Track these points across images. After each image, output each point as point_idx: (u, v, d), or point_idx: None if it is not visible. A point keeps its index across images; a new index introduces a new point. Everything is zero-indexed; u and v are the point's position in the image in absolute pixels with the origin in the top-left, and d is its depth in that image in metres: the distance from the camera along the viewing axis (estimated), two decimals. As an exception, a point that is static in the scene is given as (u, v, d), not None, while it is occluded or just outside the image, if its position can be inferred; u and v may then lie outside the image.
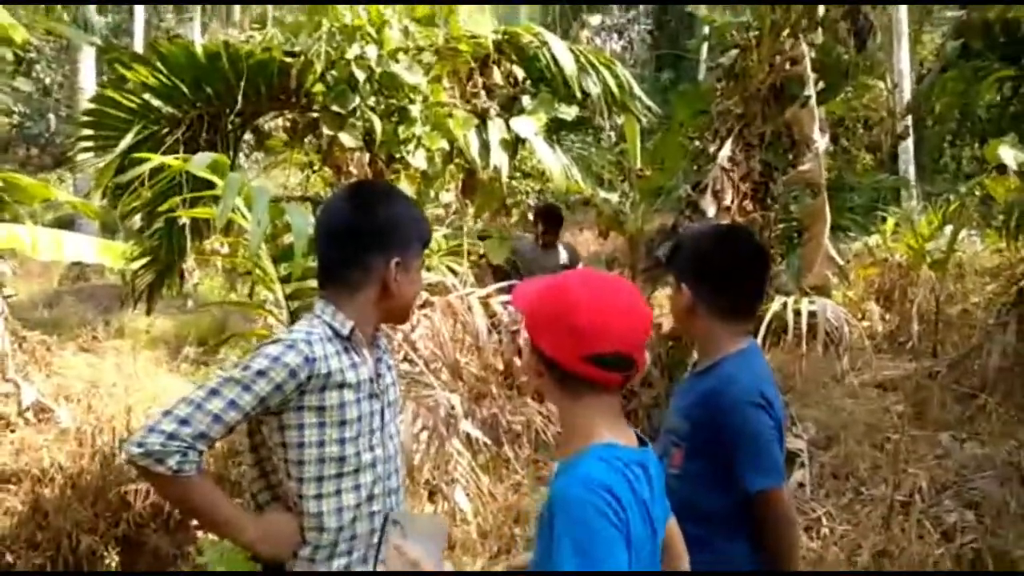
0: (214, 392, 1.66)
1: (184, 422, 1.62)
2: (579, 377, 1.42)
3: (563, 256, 5.86)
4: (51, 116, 18.43)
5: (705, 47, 12.90)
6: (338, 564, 1.80)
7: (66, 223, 10.53)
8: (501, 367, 4.25)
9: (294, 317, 3.43)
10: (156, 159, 3.28)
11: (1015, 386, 5.25)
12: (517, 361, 4.17)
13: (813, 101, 4.80)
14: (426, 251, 1.93)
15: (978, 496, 3.96)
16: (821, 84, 4.91)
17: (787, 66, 4.90)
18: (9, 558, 4.75)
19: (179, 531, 4.86)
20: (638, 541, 1.36)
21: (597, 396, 1.45)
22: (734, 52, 5.16)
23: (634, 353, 1.43)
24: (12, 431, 5.31)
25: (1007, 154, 6.71)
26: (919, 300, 7.48)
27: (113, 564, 4.66)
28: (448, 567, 1.54)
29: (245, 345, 4.78)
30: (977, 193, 8.11)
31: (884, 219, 8.75)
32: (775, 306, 5.50)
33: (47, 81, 17.80)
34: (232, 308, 6.85)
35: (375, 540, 1.84)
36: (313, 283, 3.34)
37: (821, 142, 4.87)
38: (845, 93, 8.50)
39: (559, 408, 1.51)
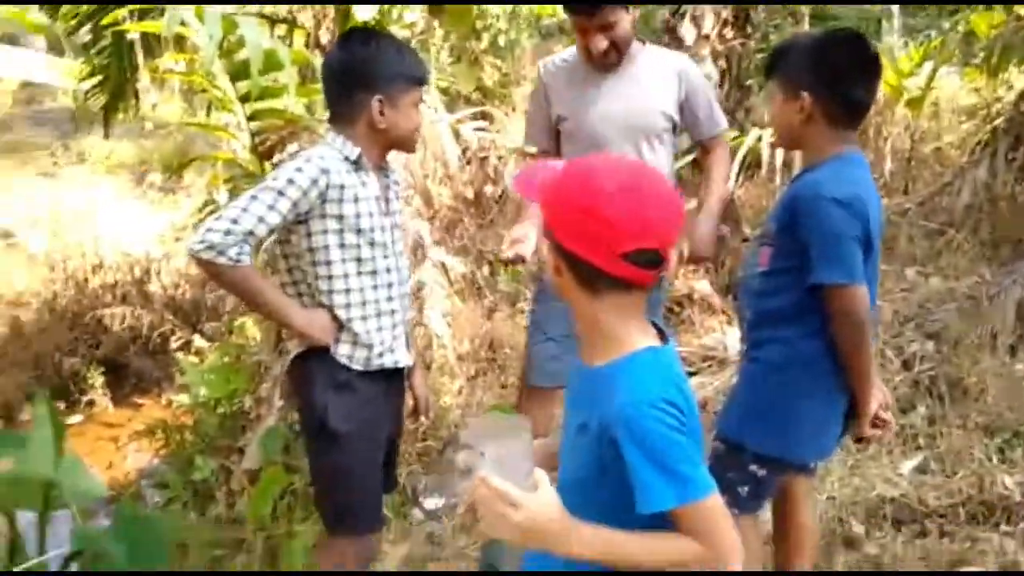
0: (254, 198, 1.98)
1: (235, 221, 1.95)
2: (611, 277, 1.29)
3: (667, 75, 2.72)
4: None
5: None
6: (374, 348, 2.16)
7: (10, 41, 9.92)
8: (472, 196, 4.17)
9: (255, 141, 3.31)
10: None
11: (982, 223, 5.29)
12: (488, 190, 4.11)
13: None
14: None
15: (938, 327, 4.07)
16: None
17: None
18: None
19: (159, 353, 4.94)
20: (698, 439, 1.32)
21: (627, 296, 1.32)
22: None
23: (669, 249, 1.31)
24: (-22, 255, 5.25)
25: (995, -15, 6.45)
26: (893, 138, 7.42)
27: (97, 384, 4.79)
28: (545, 483, 1.27)
29: (211, 170, 4.67)
30: (960, 29, 7.87)
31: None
32: (749, 140, 5.42)
33: None
34: (193, 130, 6.60)
35: (396, 332, 2.24)
36: (273, 104, 3.23)
37: (809, -35, 4.63)
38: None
39: (582, 311, 1.35)
